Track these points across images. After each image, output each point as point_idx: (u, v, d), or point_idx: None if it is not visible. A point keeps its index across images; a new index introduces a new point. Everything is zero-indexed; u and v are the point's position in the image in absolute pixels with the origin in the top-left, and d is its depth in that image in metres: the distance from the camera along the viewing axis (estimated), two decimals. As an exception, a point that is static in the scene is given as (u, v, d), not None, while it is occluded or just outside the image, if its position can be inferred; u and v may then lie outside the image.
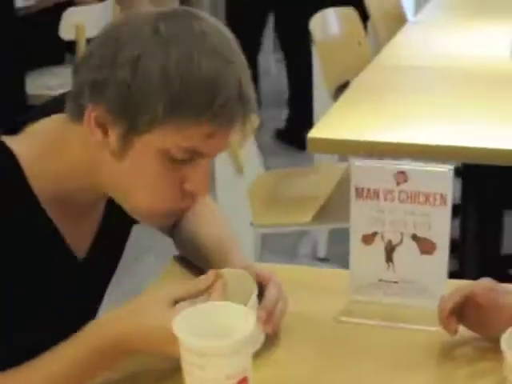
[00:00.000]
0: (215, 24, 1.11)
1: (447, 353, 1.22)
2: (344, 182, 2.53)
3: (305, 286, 1.38)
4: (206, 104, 1.05)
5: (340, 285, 1.35)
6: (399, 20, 3.77)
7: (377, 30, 3.54)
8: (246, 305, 1.09)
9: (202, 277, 1.13)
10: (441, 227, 1.27)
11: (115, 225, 1.29)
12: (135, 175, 1.11)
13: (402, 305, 1.31)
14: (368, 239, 1.30)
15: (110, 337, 1.08)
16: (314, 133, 2.14)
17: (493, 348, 1.12)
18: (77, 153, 1.14)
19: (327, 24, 3.19)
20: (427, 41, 3.21)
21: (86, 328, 1.09)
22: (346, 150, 2.17)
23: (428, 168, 1.26)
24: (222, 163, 2.26)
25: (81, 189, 1.17)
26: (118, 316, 1.10)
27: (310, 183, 2.89)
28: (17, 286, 1.13)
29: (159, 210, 1.14)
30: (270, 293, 1.20)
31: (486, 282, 1.23)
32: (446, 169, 1.25)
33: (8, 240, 1.11)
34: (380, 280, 1.32)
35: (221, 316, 1.03)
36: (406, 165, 1.27)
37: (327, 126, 2.19)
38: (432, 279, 1.29)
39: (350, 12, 3.35)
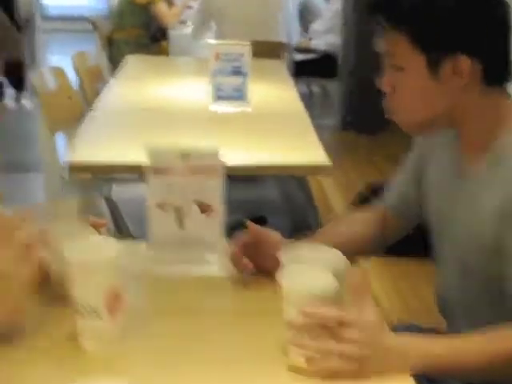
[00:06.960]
0: None
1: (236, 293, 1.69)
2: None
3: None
4: None
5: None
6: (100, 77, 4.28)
7: (84, 85, 3.99)
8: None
9: None
10: (214, 193, 1.74)
11: None
12: None
13: (189, 255, 1.75)
14: (162, 206, 1.73)
15: None
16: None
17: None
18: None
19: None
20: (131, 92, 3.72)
21: None
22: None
23: (203, 150, 1.73)
24: None
25: None
26: None
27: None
28: None
29: None
30: None
31: (253, 226, 1.71)
32: (216, 150, 1.72)
33: None
34: (172, 237, 1.75)
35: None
36: (187, 147, 1.73)
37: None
38: (211, 232, 1.75)
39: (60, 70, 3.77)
